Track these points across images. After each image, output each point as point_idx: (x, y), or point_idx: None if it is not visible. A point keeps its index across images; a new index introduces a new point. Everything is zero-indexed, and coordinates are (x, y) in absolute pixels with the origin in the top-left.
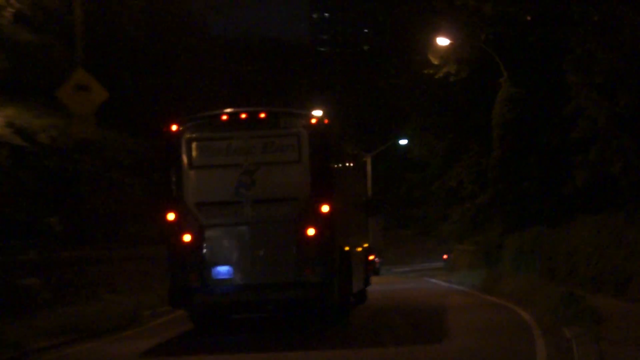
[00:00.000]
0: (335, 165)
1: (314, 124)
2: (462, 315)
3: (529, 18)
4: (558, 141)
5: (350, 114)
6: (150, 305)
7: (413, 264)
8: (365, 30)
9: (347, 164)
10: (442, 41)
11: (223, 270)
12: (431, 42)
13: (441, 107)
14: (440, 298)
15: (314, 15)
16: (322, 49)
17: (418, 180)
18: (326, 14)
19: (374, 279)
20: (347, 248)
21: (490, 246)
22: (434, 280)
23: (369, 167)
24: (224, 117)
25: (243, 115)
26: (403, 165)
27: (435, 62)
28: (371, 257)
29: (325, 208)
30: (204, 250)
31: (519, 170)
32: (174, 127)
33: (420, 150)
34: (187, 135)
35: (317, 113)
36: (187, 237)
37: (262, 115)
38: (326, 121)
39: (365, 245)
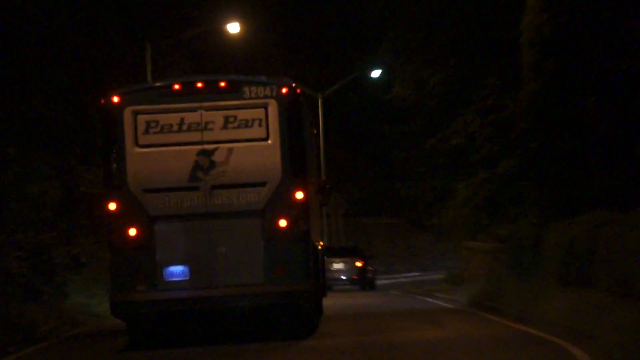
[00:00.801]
0: (307, 142)
1: (284, 94)
2: None
3: None
4: (633, 69)
5: (290, 28)
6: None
7: (394, 272)
8: None
9: (311, 135)
10: None
11: (176, 271)
12: None
13: (436, 16)
14: (440, 328)
15: None
16: None
17: (401, 137)
18: None
19: (363, 297)
20: (318, 245)
21: (520, 243)
22: (431, 301)
23: (320, 117)
24: (176, 86)
25: (199, 84)
26: (376, 113)
27: None
28: (359, 264)
29: (299, 195)
30: (154, 247)
31: (566, 118)
32: (115, 98)
33: (403, 88)
34: (131, 108)
35: (288, 81)
36: (132, 231)
37: (222, 83)
38: (298, 90)
39: (321, 243)
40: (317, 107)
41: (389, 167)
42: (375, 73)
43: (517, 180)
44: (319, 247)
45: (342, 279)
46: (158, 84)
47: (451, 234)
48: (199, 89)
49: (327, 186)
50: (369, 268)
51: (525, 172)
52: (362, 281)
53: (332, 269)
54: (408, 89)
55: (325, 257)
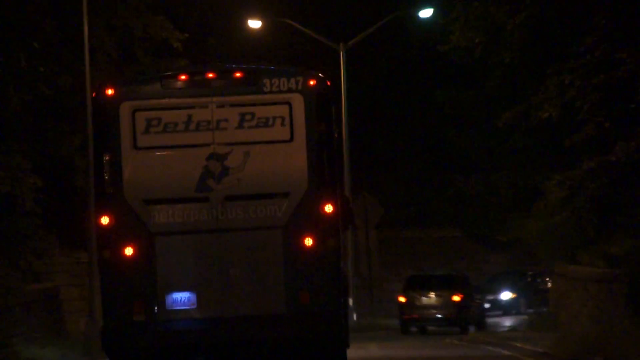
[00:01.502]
0: (337, 145)
1: (312, 87)
2: None
3: None
4: None
5: None
6: None
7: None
8: None
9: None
10: None
11: (182, 297)
12: None
13: None
14: None
15: None
16: None
17: (461, 109)
18: None
19: (405, 348)
20: (343, 269)
21: None
22: (508, 354)
23: (343, 81)
24: (183, 77)
25: (210, 75)
26: (424, 74)
27: None
28: (456, 298)
29: (328, 208)
30: (155, 269)
31: None
32: (110, 91)
33: (466, 35)
34: (129, 103)
35: (315, 72)
36: (128, 250)
37: (238, 74)
38: (328, 82)
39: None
40: (339, 64)
41: (442, 154)
42: (424, 13)
43: None
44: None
45: (437, 317)
46: (161, 74)
47: (538, 253)
48: (210, 80)
49: (349, 205)
50: (475, 302)
51: None
52: (462, 320)
53: (421, 304)
54: (474, 37)
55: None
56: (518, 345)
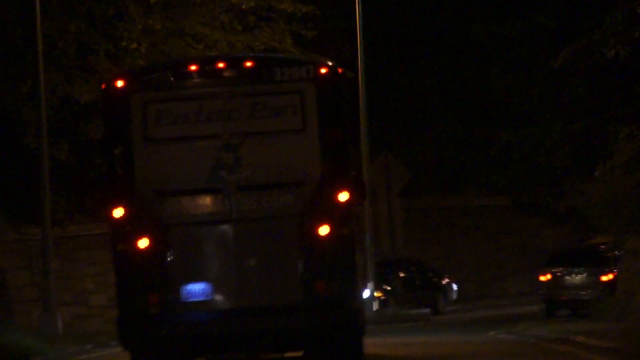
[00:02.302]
0: (350, 134)
1: (323, 76)
2: None
3: None
4: None
5: None
6: None
7: (499, 294)
8: None
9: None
10: None
11: (196, 289)
12: None
13: None
14: None
15: None
16: None
17: (508, 44)
18: None
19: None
20: (358, 257)
21: None
22: (564, 349)
23: (358, 12)
24: (193, 67)
25: (221, 64)
26: (461, 1)
27: None
28: (605, 278)
29: (343, 196)
30: (168, 261)
31: None
32: (120, 83)
33: None
34: (140, 95)
35: (326, 61)
36: (142, 242)
37: (249, 63)
38: (340, 70)
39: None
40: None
41: (483, 104)
42: None
43: None
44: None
45: (582, 299)
46: (171, 63)
47: (604, 225)
48: (221, 69)
49: (359, 181)
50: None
51: None
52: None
53: (563, 284)
54: None
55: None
56: (580, 339)
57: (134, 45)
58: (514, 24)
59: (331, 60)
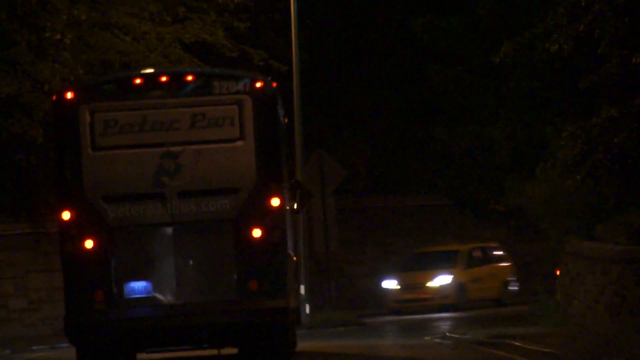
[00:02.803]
0: (283, 143)
1: (259, 89)
2: None
3: None
4: None
5: None
6: None
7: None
8: None
9: (284, 128)
10: None
11: (139, 286)
12: None
13: None
14: None
15: None
16: None
17: (447, 38)
18: None
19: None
20: (295, 258)
21: None
22: (502, 354)
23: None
24: (138, 80)
25: (163, 78)
26: None
27: None
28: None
29: (275, 201)
30: (113, 260)
31: None
32: (69, 94)
33: None
34: (87, 105)
35: (263, 75)
36: (89, 243)
37: (190, 77)
38: (274, 84)
39: (295, 258)
40: None
41: (421, 101)
42: None
43: None
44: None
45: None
46: (117, 78)
47: (544, 226)
48: (163, 83)
49: (297, 189)
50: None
51: None
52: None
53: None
54: None
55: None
56: (517, 344)
57: (58, 37)
58: (453, 17)
59: (266, 75)
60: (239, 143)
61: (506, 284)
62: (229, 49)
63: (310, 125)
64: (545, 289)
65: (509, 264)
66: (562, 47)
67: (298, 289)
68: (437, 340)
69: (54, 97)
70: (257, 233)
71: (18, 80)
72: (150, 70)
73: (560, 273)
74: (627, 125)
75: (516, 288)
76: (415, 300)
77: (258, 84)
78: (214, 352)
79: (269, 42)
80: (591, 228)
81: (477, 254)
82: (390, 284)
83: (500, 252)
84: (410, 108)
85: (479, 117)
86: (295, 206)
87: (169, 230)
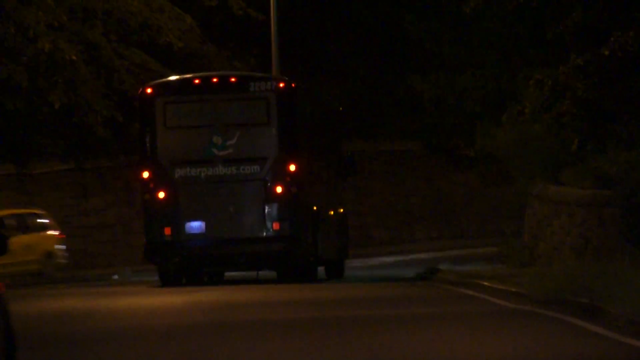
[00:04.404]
0: (301, 128)
1: (281, 88)
2: None
3: None
4: None
5: None
6: None
7: (410, 240)
8: None
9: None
10: None
11: (196, 225)
12: None
13: None
14: (494, 347)
15: None
16: None
17: None
18: None
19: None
20: (315, 208)
21: None
22: (474, 295)
23: None
24: (196, 81)
25: (214, 80)
26: None
27: None
28: None
29: (292, 167)
30: (178, 206)
31: None
32: (149, 90)
33: None
34: (161, 98)
35: (284, 77)
36: (161, 194)
37: (233, 79)
38: (293, 85)
39: (341, 210)
40: None
41: (394, 47)
42: None
43: None
44: (328, 212)
45: None
46: (182, 79)
47: (512, 171)
48: (214, 83)
49: (348, 161)
50: None
51: None
52: None
53: None
54: None
55: (343, 221)
56: (485, 283)
57: None
58: None
59: (287, 77)
60: (266, 126)
61: (50, 255)
62: None
63: (287, 71)
64: (512, 232)
65: (56, 232)
66: None
67: (345, 231)
68: (410, 278)
69: (139, 91)
70: (279, 189)
71: (2, 25)
72: (205, 74)
73: (527, 215)
74: (593, 72)
75: (65, 261)
76: None
77: (281, 85)
78: (254, 274)
79: None
80: (557, 173)
81: (11, 222)
82: None
83: (46, 220)
84: (384, 55)
85: (451, 65)
86: (342, 174)
87: (217, 186)
